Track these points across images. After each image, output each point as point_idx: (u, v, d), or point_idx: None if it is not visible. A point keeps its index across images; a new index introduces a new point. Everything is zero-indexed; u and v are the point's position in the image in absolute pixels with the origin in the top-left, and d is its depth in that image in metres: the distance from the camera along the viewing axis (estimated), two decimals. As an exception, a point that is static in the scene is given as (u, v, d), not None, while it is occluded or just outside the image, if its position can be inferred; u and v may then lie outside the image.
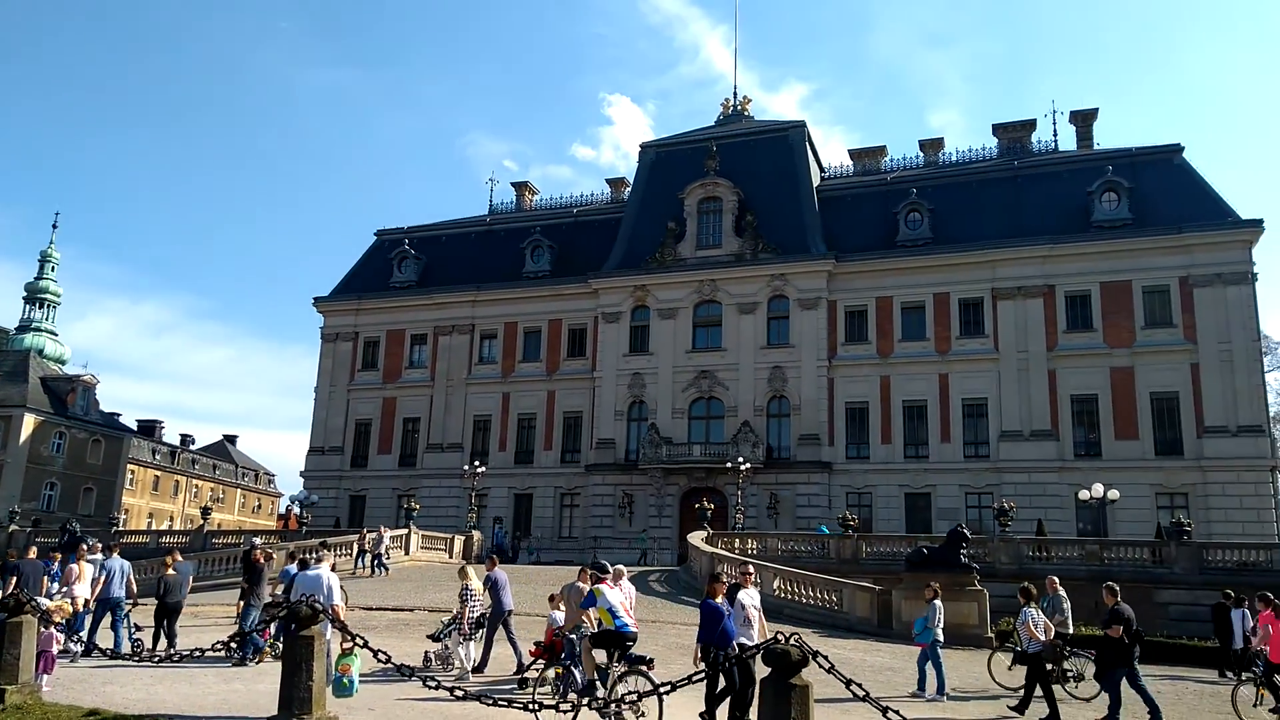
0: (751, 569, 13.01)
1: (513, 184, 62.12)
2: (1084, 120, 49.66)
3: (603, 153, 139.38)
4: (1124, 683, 11.96)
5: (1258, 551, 30.64)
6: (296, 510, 48.40)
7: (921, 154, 52.20)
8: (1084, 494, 36.06)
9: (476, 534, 42.02)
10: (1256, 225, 41.37)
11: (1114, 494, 35.22)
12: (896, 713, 6.55)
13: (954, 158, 51.33)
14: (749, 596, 11.48)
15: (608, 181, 60.14)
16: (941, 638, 14.66)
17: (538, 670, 13.37)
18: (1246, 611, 19.60)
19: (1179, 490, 39.86)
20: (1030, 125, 50.37)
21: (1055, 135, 50.24)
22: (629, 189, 56.48)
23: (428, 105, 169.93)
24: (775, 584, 26.64)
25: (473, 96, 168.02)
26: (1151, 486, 39.95)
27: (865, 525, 40.30)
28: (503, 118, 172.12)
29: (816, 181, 51.34)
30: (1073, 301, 43.36)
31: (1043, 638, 13.37)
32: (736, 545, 33.44)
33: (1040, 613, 14.07)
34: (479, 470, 44.98)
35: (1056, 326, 43.27)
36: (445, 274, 55.39)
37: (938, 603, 14.97)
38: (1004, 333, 43.81)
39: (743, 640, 10.77)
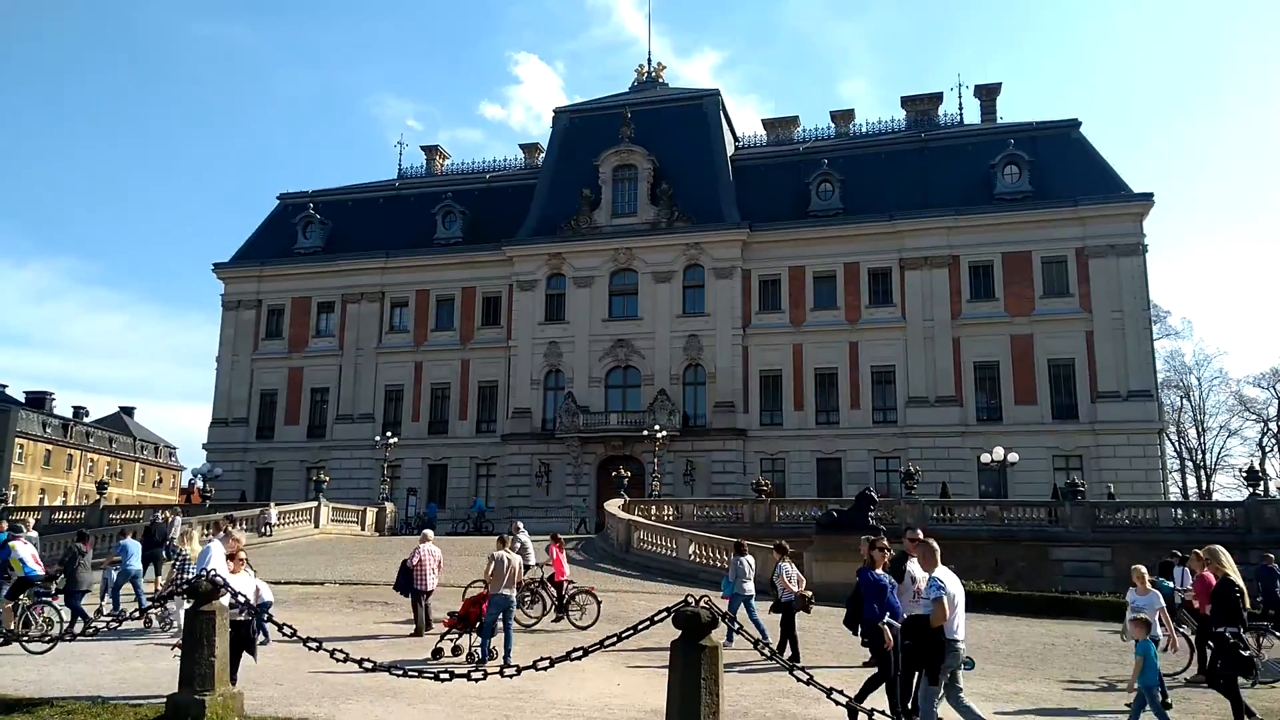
0: (920, 534, 9.91)
1: (423, 148, 60.61)
2: (988, 94, 50.97)
3: (513, 112, 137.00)
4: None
5: (1146, 510, 32.35)
6: (200, 484, 46.76)
7: (833, 125, 52.84)
8: (985, 457, 37.49)
9: (390, 506, 41.35)
10: (1147, 199, 43.28)
11: (1014, 457, 36.70)
12: (803, 669, 6.67)
13: (864, 129, 52.11)
14: (917, 568, 9.30)
15: (521, 147, 59.26)
16: (750, 591, 15.42)
17: (451, 640, 13.24)
18: (1188, 570, 20.79)
19: (1074, 453, 41.74)
20: (937, 98, 51.46)
21: (961, 109, 51.50)
22: (543, 155, 55.75)
23: (327, 62, 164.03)
24: (690, 549, 27.01)
25: (375, 53, 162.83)
26: (1048, 449, 41.73)
27: (779, 490, 41.14)
28: (407, 76, 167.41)
29: (731, 151, 51.54)
30: (976, 271, 44.73)
31: (795, 589, 14.51)
32: (653, 512, 33.70)
33: (794, 566, 15.11)
34: (391, 441, 44.16)
35: (961, 296, 44.59)
36: (353, 240, 53.84)
37: (745, 559, 15.66)
38: (911, 302, 44.95)
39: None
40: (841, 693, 6.50)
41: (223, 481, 47.42)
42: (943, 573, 8.09)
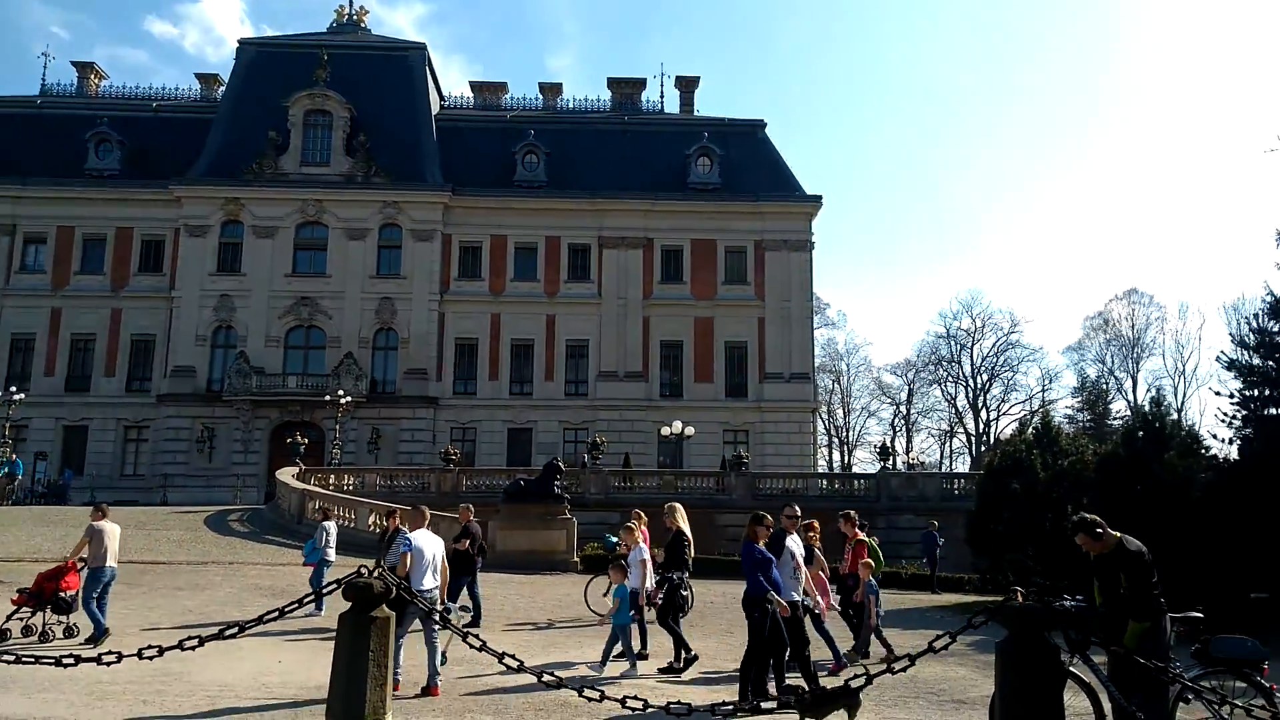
0: (798, 511, 10.40)
1: (74, 64, 52.33)
2: (687, 86, 53.43)
3: (187, 33, 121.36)
4: (466, 589, 13.64)
5: (798, 480, 35.76)
6: None
7: (541, 96, 52.75)
8: (665, 430, 39.46)
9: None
10: (816, 200, 47.76)
11: (690, 430, 38.95)
12: (476, 635, 6.34)
13: (571, 105, 52.57)
14: (796, 544, 9.71)
15: (198, 77, 53.15)
16: (331, 558, 15.15)
17: (20, 620, 11.78)
18: (937, 535, 23.60)
19: (742, 428, 45.23)
20: (641, 84, 53.07)
21: (662, 97, 53.49)
22: (223, 88, 50.41)
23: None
24: (371, 519, 25.68)
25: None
26: (721, 424, 44.86)
27: (468, 460, 40.59)
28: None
29: (436, 109, 49.77)
30: (668, 255, 46.89)
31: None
32: (332, 481, 31.81)
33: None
34: (17, 398, 37.86)
35: (653, 277, 46.54)
36: (-24, 160, 45.33)
37: (328, 524, 15.49)
38: (607, 279, 46.18)
39: (794, 596, 9.22)
40: (514, 657, 6.17)
41: None
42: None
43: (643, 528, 11.94)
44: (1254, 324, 18.10)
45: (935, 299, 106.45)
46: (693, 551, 11.34)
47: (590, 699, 5.82)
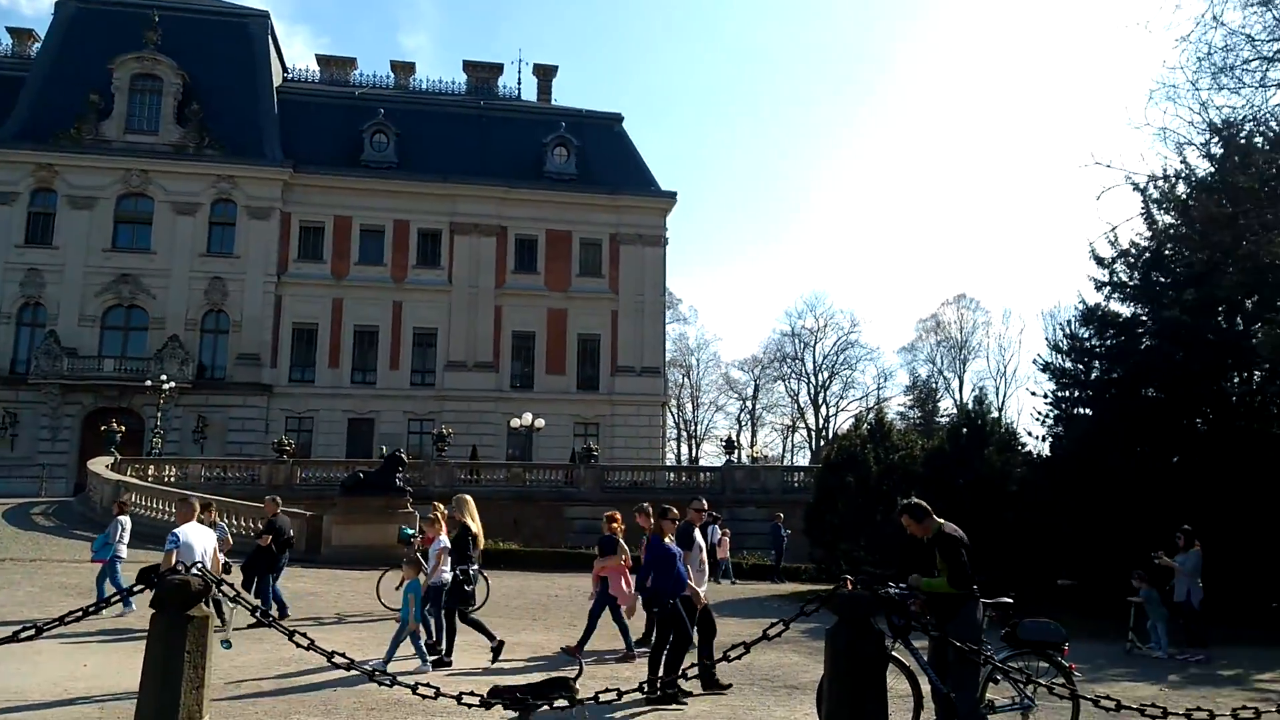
0: (705, 504, 10.75)
1: None
2: (545, 75, 52.94)
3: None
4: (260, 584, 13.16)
5: (647, 472, 36.14)
6: None
7: (393, 75, 51.04)
8: (515, 422, 39.02)
9: None
10: (671, 196, 48.36)
11: (540, 423, 38.67)
12: (303, 635, 5.92)
13: (424, 85, 51.13)
14: (700, 537, 9.86)
15: (9, 30, 48.45)
16: (124, 554, 14.30)
17: None
18: (717, 527, 23.39)
19: (593, 420, 45.29)
20: (498, 69, 52.22)
21: (520, 84, 52.87)
22: (38, 44, 46.14)
23: None
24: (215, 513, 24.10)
25: None
26: (572, 416, 44.76)
27: (305, 450, 38.87)
28: None
29: (278, 81, 47.28)
30: (522, 244, 46.32)
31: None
32: (151, 473, 29.71)
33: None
34: None
35: (506, 266, 45.88)
36: None
37: (123, 518, 14.67)
38: (459, 266, 45.19)
39: (699, 589, 9.20)
40: (344, 655, 5.83)
41: None
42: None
43: (444, 519, 11.65)
44: (1067, 330, 19.51)
45: (782, 298, 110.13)
46: (481, 544, 11.13)
47: (425, 696, 5.58)
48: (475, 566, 10.83)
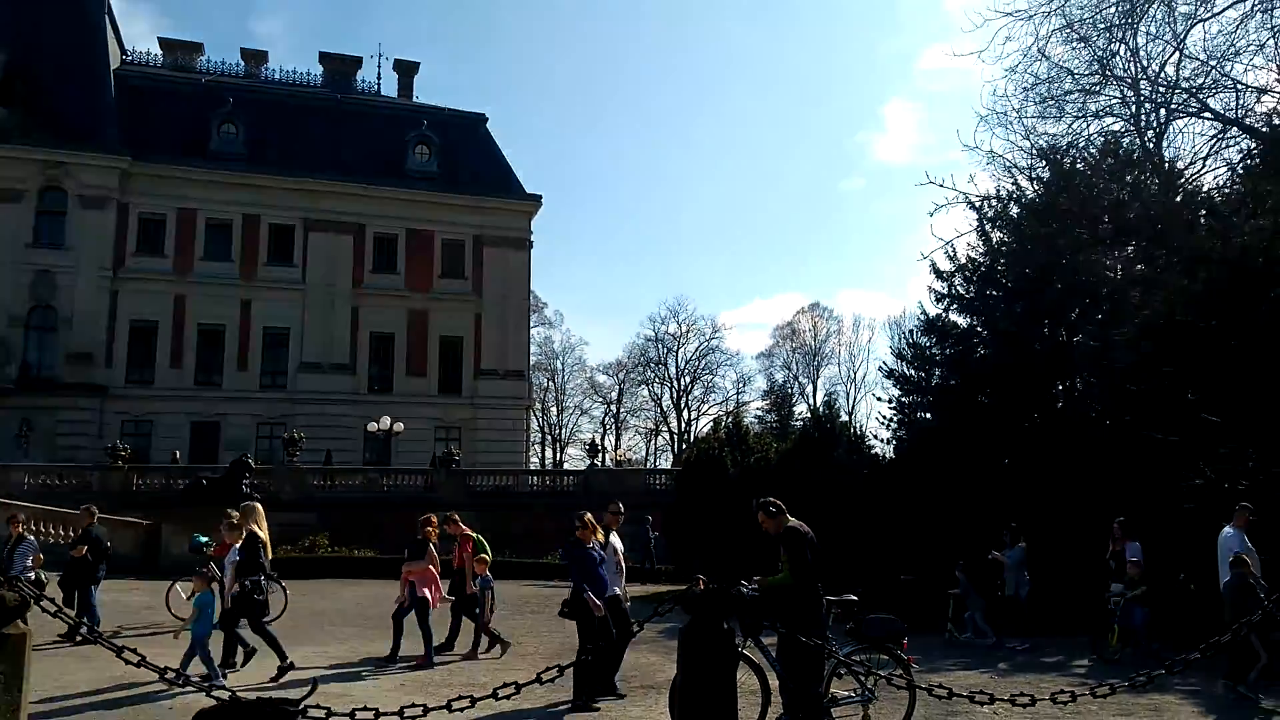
0: (621, 507, 10.60)
1: None
2: (406, 71, 51.69)
3: None
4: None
5: (509, 477, 35.87)
6: None
7: (243, 63, 48.70)
8: (373, 425, 37.91)
9: None
10: (536, 200, 48.10)
11: (399, 426, 37.72)
12: (134, 651, 5.56)
13: (278, 75, 49.05)
14: (618, 541, 9.92)
15: None
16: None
17: None
18: (650, 529, 24.77)
19: (455, 424, 44.50)
20: (357, 62, 50.60)
21: (380, 79, 51.33)
22: None
23: None
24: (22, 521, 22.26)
25: None
26: (433, 420, 43.84)
27: (143, 456, 36.47)
28: None
29: (116, 63, 44.29)
30: (381, 243, 45.06)
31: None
32: (-36, 481, 27.24)
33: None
34: None
35: (364, 265, 44.52)
36: None
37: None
38: (314, 264, 43.52)
39: (616, 591, 9.35)
40: (178, 670, 5.51)
41: None
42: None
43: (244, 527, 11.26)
44: (910, 339, 20.62)
45: (646, 303, 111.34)
46: (269, 554, 10.84)
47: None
48: (264, 576, 10.44)
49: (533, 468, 50.80)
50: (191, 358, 41.35)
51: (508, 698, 5.79)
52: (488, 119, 50.03)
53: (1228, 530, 10.25)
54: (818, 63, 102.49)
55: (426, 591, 11.05)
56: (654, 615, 6.20)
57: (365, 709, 4.54)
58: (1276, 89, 13.61)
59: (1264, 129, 15.31)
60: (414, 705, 4.67)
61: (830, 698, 6.63)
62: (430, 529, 11.61)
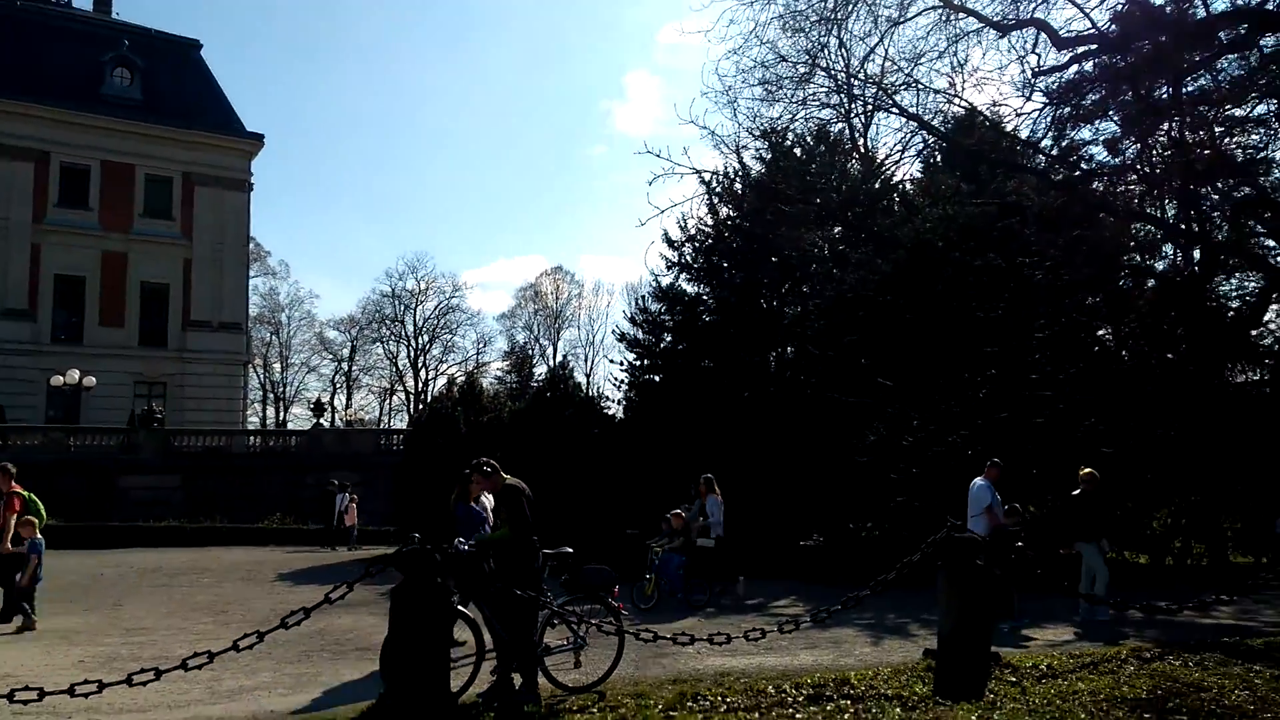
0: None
1: None
2: (105, -18, 45.77)
3: None
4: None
5: (223, 437, 33.29)
6: None
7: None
8: (58, 380, 33.69)
9: None
10: (258, 139, 44.46)
11: (90, 381, 33.83)
12: None
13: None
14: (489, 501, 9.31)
15: None
16: None
17: None
18: (346, 495, 24.03)
19: (159, 379, 40.55)
20: (44, -35, 44.01)
21: (72, -12, 45.07)
22: None
23: None
24: None
25: None
26: (132, 375, 39.66)
27: None
28: None
29: None
30: (70, 174, 39.80)
31: None
32: None
33: None
34: None
35: (48, 197, 39.17)
36: None
37: None
38: (-16, 194, 37.64)
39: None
40: None
41: None
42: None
43: None
44: (642, 304, 21.42)
45: (385, 258, 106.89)
46: None
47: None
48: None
49: (251, 427, 47.45)
50: None
51: (199, 668, 5.44)
52: (201, 45, 45.57)
53: (979, 481, 11.02)
54: (562, 24, 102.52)
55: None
56: (363, 576, 6.05)
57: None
58: (951, 93, 15.45)
59: (942, 128, 17.33)
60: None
61: (544, 647, 6.81)
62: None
